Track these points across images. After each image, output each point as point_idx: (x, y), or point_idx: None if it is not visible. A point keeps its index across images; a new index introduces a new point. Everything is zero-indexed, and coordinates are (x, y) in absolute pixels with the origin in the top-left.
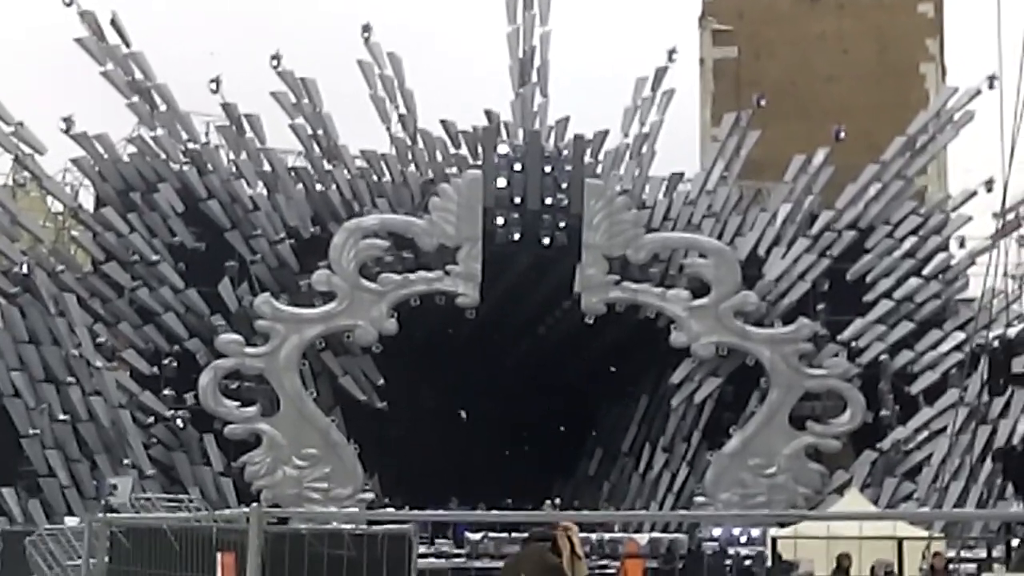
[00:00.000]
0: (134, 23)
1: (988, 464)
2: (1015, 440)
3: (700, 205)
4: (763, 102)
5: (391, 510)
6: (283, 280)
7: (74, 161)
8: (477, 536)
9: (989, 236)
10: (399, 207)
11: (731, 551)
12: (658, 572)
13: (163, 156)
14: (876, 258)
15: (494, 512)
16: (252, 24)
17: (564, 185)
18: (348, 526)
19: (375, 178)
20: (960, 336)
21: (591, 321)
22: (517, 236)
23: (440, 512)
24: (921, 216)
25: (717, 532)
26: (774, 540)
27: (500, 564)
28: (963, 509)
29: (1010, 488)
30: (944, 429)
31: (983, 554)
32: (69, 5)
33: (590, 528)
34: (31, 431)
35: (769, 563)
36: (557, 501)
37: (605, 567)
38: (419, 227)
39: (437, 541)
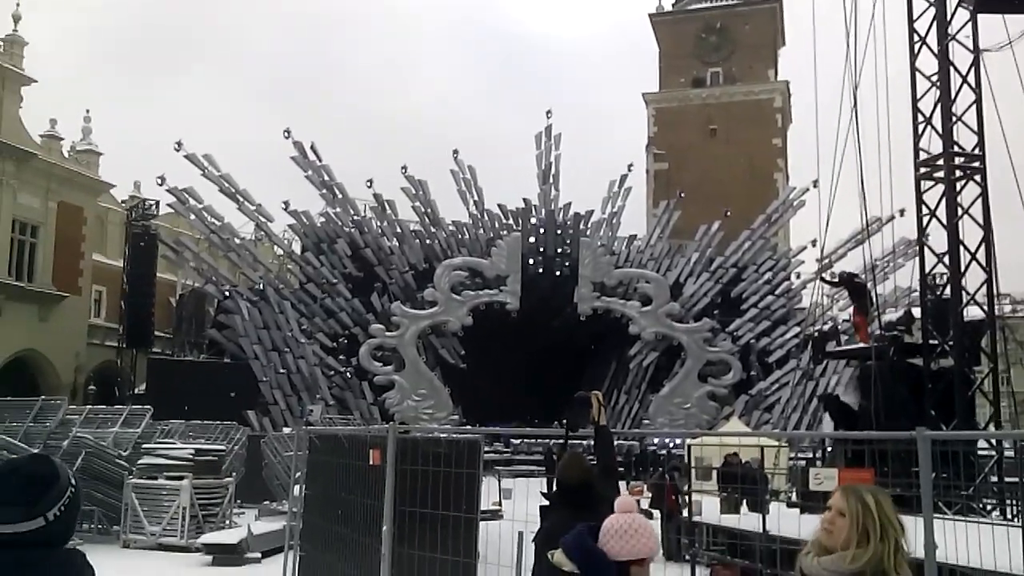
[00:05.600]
0: (325, 146)
1: (812, 404)
2: (828, 389)
3: (646, 253)
4: (682, 195)
5: (468, 427)
6: (408, 294)
7: (290, 226)
8: (517, 441)
9: (814, 272)
10: (474, 253)
11: (663, 452)
12: (620, 463)
13: (340, 223)
14: (748, 284)
15: (527, 429)
16: (390, 143)
17: (568, 241)
18: (443, 436)
19: (460, 236)
20: (796, 329)
21: (583, 319)
22: (541, 270)
23: (496, 428)
24: (774, 260)
25: (656, 441)
26: (689, 446)
27: (530, 456)
28: (798, 431)
29: (826, 418)
30: (787, 383)
31: (810, 455)
32: (287, 138)
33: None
34: (264, 379)
35: (686, 459)
36: (564, 421)
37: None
38: (485, 264)
39: (495, 444)
